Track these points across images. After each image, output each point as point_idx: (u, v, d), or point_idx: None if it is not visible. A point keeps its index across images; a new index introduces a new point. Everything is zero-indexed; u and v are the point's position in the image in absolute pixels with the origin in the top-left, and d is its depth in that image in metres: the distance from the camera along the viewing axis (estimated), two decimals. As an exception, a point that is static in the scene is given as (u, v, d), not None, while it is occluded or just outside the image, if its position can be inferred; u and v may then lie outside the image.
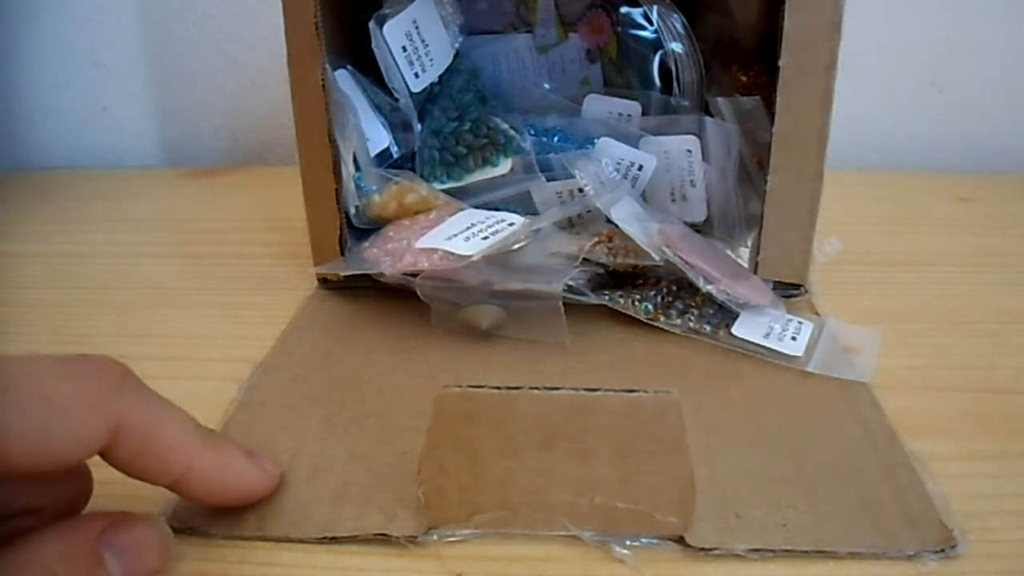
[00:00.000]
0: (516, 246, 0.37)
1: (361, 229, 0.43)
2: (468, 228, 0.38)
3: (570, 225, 0.43)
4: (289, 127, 0.40)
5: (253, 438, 0.31)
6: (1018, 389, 0.35)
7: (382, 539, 0.26)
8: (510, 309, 0.37)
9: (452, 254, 0.36)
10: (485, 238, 0.37)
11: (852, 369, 0.35)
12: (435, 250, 0.37)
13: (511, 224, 0.39)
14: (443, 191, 0.43)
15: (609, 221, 0.43)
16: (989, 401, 0.34)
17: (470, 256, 0.36)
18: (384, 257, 0.38)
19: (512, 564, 0.25)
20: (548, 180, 0.43)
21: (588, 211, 0.42)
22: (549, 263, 0.38)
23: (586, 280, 0.39)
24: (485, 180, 0.43)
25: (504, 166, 0.43)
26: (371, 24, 0.40)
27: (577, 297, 0.38)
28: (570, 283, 0.37)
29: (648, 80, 0.47)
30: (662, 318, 0.38)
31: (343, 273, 0.40)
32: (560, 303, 0.36)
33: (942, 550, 0.25)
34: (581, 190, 0.42)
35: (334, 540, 0.26)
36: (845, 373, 0.35)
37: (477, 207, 0.44)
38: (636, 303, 0.39)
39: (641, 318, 0.38)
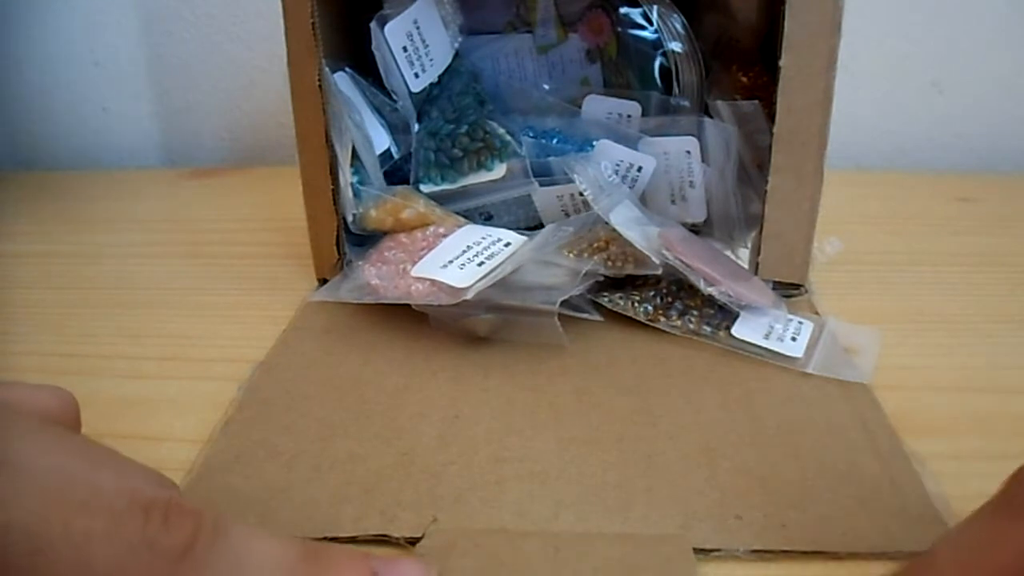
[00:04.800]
0: (510, 269, 0.37)
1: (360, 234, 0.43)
2: (463, 252, 0.38)
3: (566, 217, 0.43)
4: (289, 127, 0.40)
5: (253, 438, 0.31)
6: (1018, 389, 0.35)
7: (382, 540, 0.26)
8: (508, 319, 0.37)
9: (447, 285, 0.36)
10: (480, 264, 0.37)
11: (852, 370, 0.35)
12: (430, 279, 0.37)
13: (507, 244, 0.39)
14: (438, 193, 0.43)
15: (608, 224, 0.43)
16: (989, 401, 0.34)
17: (464, 289, 0.36)
18: (381, 283, 0.38)
19: None
20: (544, 184, 0.43)
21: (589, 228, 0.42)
22: (546, 279, 0.38)
23: (585, 286, 0.39)
24: (480, 184, 0.43)
25: (499, 171, 0.43)
26: (372, 25, 0.40)
27: (576, 313, 0.38)
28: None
29: (648, 80, 0.47)
30: (662, 319, 0.38)
31: (340, 300, 0.40)
32: (556, 318, 0.36)
33: (942, 550, 0.25)
34: (581, 194, 0.42)
35: (334, 541, 0.26)
36: (845, 374, 0.35)
37: (474, 210, 0.44)
38: (636, 304, 0.39)
39: (641, 319, 0.38)
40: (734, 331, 0.37)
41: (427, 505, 0.27)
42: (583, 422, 0.32)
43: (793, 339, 0.37)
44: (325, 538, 0.26)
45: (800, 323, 0.38)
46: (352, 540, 0.26)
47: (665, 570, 0.25)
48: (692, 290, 0.39)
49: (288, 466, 0.30)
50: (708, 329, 0.38)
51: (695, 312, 0.39)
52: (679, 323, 0.38)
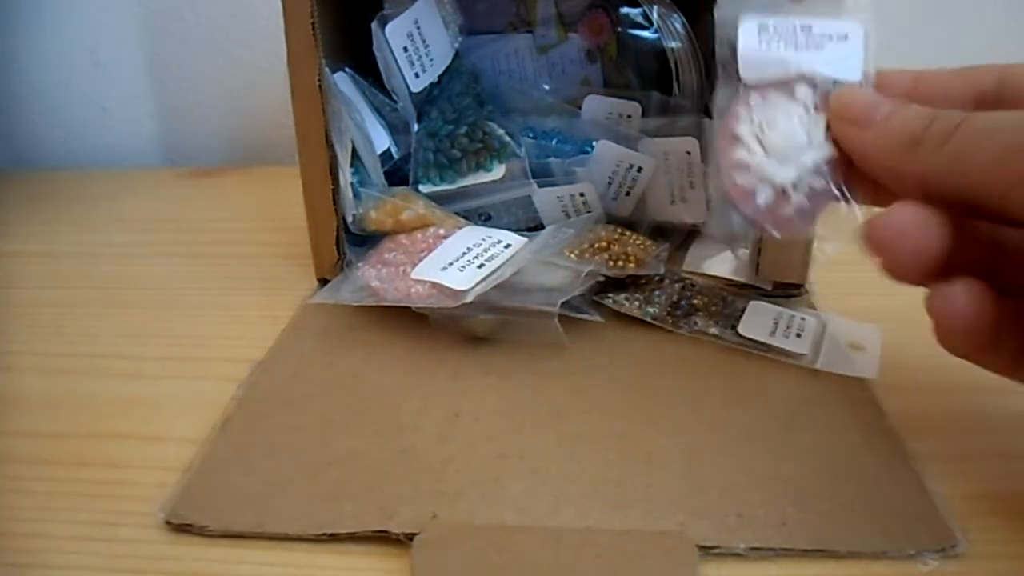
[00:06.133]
0: (511, 271, 0.37)
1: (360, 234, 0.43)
2: (463, 254, 0.38)
3: (566, 218, 0.43)
4: (289, 127, 0.40)
5: (253, 436, 0.31)
6: (1018, 389, 0.34)
7: (382, 537, 0.26)
8: (508, 320, 0.37)
9: (447, 288, 0.36)
10: (480, 266, 0.37)
11: (858, 366, 0.35)
12: (430, 282, 0.37)
13: (507, 246, 0.39)
14: (436, 193, 0.43)
15: (609, 223, 0.43)
16: (989, 401, 0.34)
17: (464, 291, 0.36)
18: (381, 284, 0.38)
19: None
20: (544, 185, 0.43)
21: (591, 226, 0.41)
22: (547, 281, 0.38)
23: (586, 287, 0.38)
24: (479, 184, 0.43)
25: (497, 172, 0.43)
26: (373, 25, 0.40)
27: (576, 314, 0.37)
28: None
29: (648, 80, 0.47)
30: (669, 320, 0.38)
31: (340, 302, 0.40)
32: (556, 320, 0.36)
33: (942, 550, 0.25)
34: (582, 194, 0.42)
35: (334, 537, 0.26)
36: (851, 370, 0.35)
37: (473, 210, 0.44)
38: (641, 306, 0.39)
39: (648, 320, 0.38)
40: (740, 329, 0.37)
41: (427, 502, 0.27)
42: (583, 419, 0.32)
43: (798, 335, 0.36)
44: (324, 535, 0.26)
45: (803, 319, 0.38)
46: (352, 537, 0.26)
47: (666, 566, 0.25)
48: (696, 289, 0.38)
49: (288, 464, 0.30)
50: (715, 328, 0.37)
51: (700, 312, 0.39)
52: (685, 323, 0.38)
